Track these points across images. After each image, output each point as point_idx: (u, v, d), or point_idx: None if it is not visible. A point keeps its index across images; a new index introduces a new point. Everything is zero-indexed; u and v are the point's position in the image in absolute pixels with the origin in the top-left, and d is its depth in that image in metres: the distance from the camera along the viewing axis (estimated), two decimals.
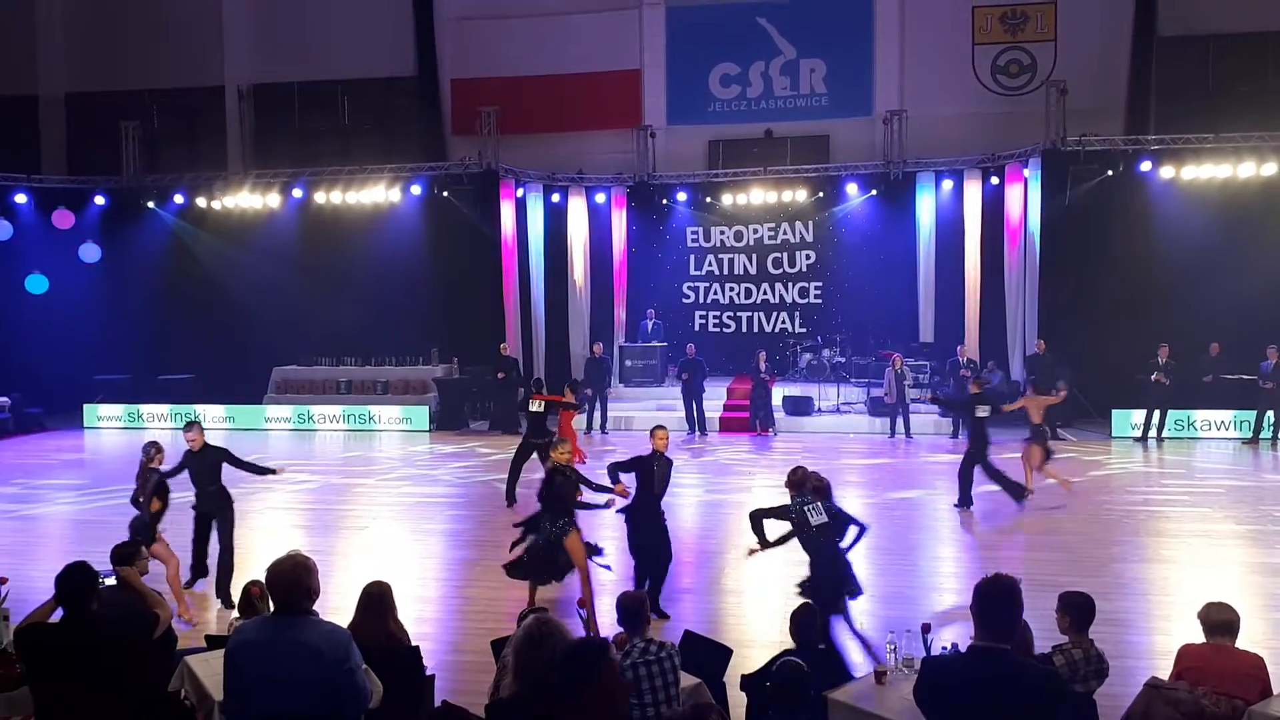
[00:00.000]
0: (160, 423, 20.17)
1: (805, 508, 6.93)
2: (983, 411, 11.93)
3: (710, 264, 21.85)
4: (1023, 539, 11.05)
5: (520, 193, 20.92)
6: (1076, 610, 5.26)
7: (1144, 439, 16.93)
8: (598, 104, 21.85)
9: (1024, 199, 19.12)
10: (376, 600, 5.51)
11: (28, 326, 20.54)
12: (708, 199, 21.11)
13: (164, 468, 8.77)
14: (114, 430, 20.06)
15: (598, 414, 18.55)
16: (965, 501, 11.89)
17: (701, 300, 21.93)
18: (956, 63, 20.92)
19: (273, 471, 9.28)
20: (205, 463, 8.97)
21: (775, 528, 7.19)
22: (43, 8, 23.71)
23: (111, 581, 4.78)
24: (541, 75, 21.93)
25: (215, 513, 8.96)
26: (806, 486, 7.08)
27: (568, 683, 3.54)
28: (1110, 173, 18.21)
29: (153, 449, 8.74)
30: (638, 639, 4.82)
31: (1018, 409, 13.22)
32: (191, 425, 9.14)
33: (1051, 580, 8.45)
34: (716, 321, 21.87)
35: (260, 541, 11.03)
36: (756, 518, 7.18)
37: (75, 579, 4.31)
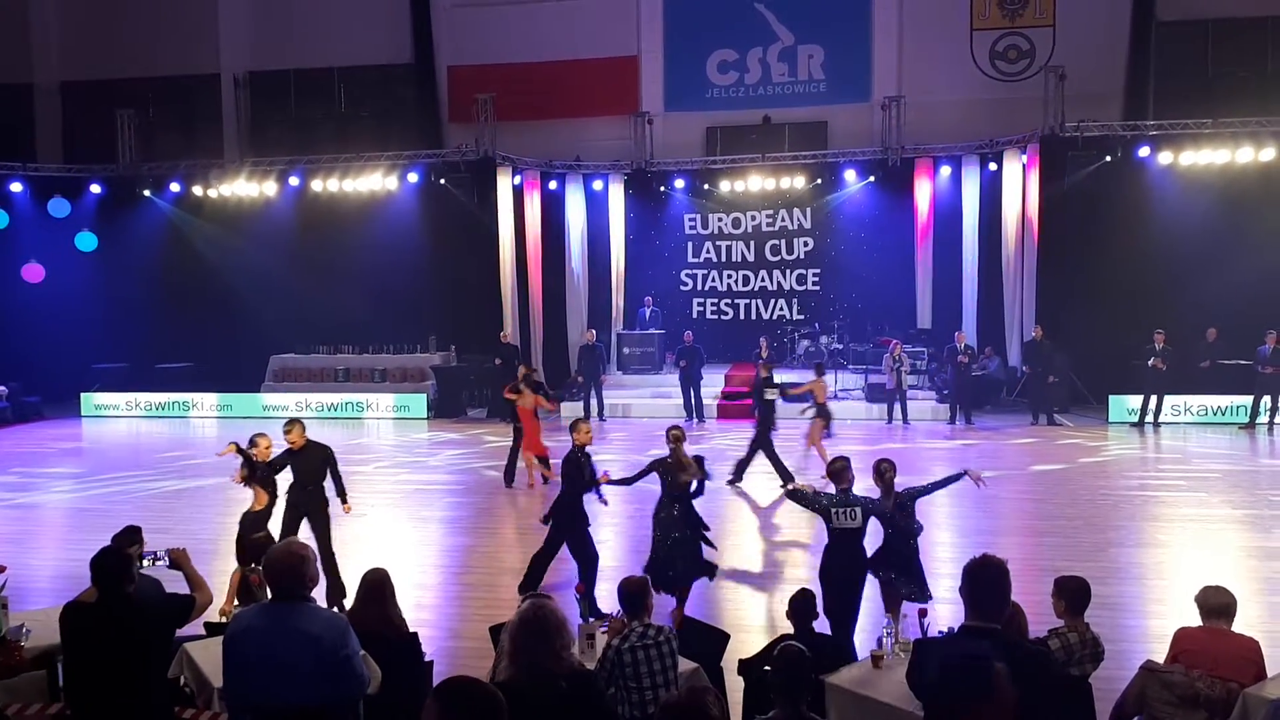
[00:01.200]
0: (158, 411, 20.20)
1: (835, 510, 6.74)
2: (770, 394, 12.38)
3: (708, 251, 21.82)
4: (1019, 524, 11.08)
5: (517, 180, 20.87)
6: (1072, 594, 5.29)
7: (1141, 424, 16.97)
8: (595, 90, 21.77)
9: (1022, 185, 19.08)
10: (375, 587, 5.52)
11: (25, 315, 20.53)
12: (705, 186, 21.07)
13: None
14: (112, 419, 20.07)
15: (594, 401, 18.55)
16: (786, 478, 12.05)
17: (699, 287, 21.91)
18: (955, 49, 20.85)
19: (345, 502, 8.61)
20: (309, 461, 8.43)
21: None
22: None
23: (164, 563, 4.78)
24: (538, 62, 21.84)
25: (312, 513, 8.38)
26: (847, 478, 6.91)
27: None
28: (1108, 158, 18.20)
29: (260, 440, 8.23)
30: (637, 623, 4.85)
31: (804, 392, 13.59)
32: (293, 423, 8.55)
33: (1048, 564, 8.50)
34: (714, 309, 21.86)
35: None
36: (795, 496, 7.17)
37: (107, 563, 4.33)
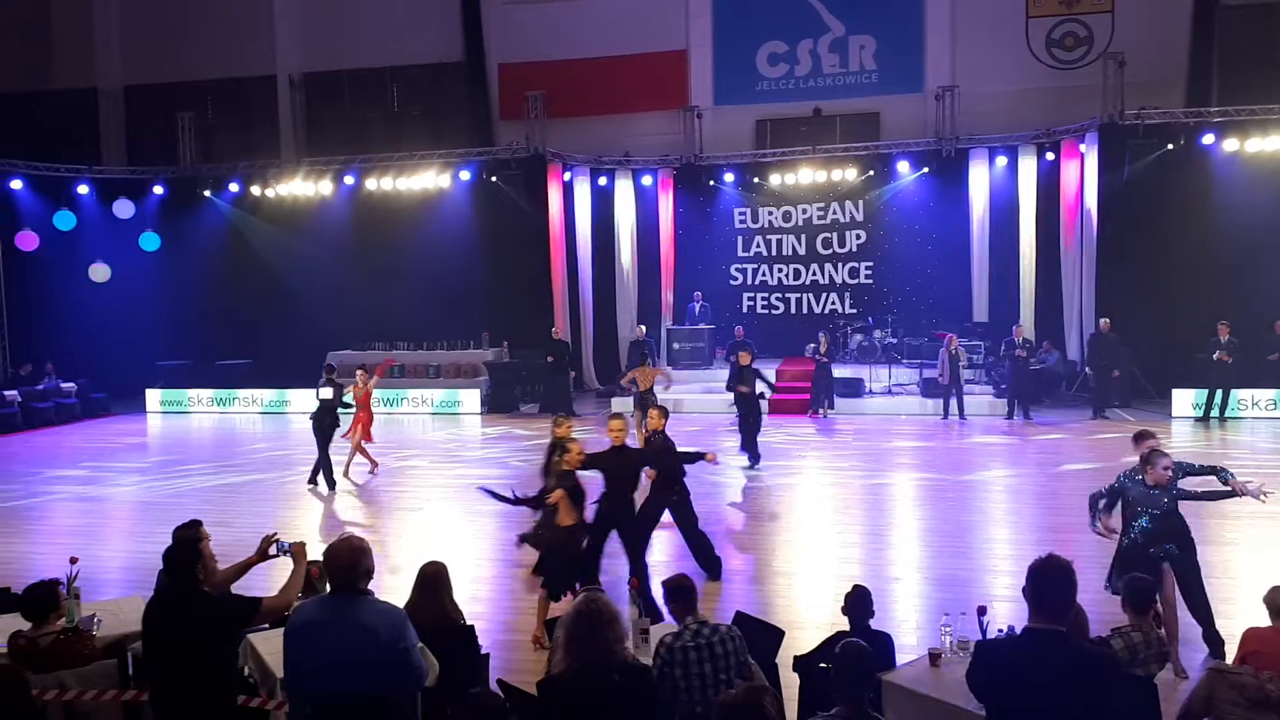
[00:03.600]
0: (220, 406, 20.66)
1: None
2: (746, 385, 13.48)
3: (758, 245, 21.71)
4: (1081, 520, 10.82)
5: (568, 176, 20.98)
6: (1137, 593, 5.18)
7: (1205, 419, 16.53)
8: (644, 85, 21.76)
9: (1080, 175, 18.71)
10: (432, 580, 5.58)
11: (92, 314, 21.12)
12: (755, 179, 20.96)
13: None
14: (175, 414, 20.57)
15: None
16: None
17: (749, 282, 21.81)
18: (1010, 37, 20.47)
19: (704, 458, 7.82)
20: (626, 465, 7.26)
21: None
22: (100, 3, 24.22)
23: (286, 555, 4.82)
24: (588, 58, 21.87)
25: (624, 526, 7.24)
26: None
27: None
28: (1170, 146, 17.74)
29: (569, 445, 7.08)
30: (691, 619, 4.69)
31: (631, 379, 14.80)
32: (620, 416, 7.32)
33: (1110, 563, 8.30)
34: (765, 303, 21.74)
35: (317, 523, 11.28)
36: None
37: (173, 554, 4.43)
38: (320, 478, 12.80)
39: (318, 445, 12.78)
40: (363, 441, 13.44)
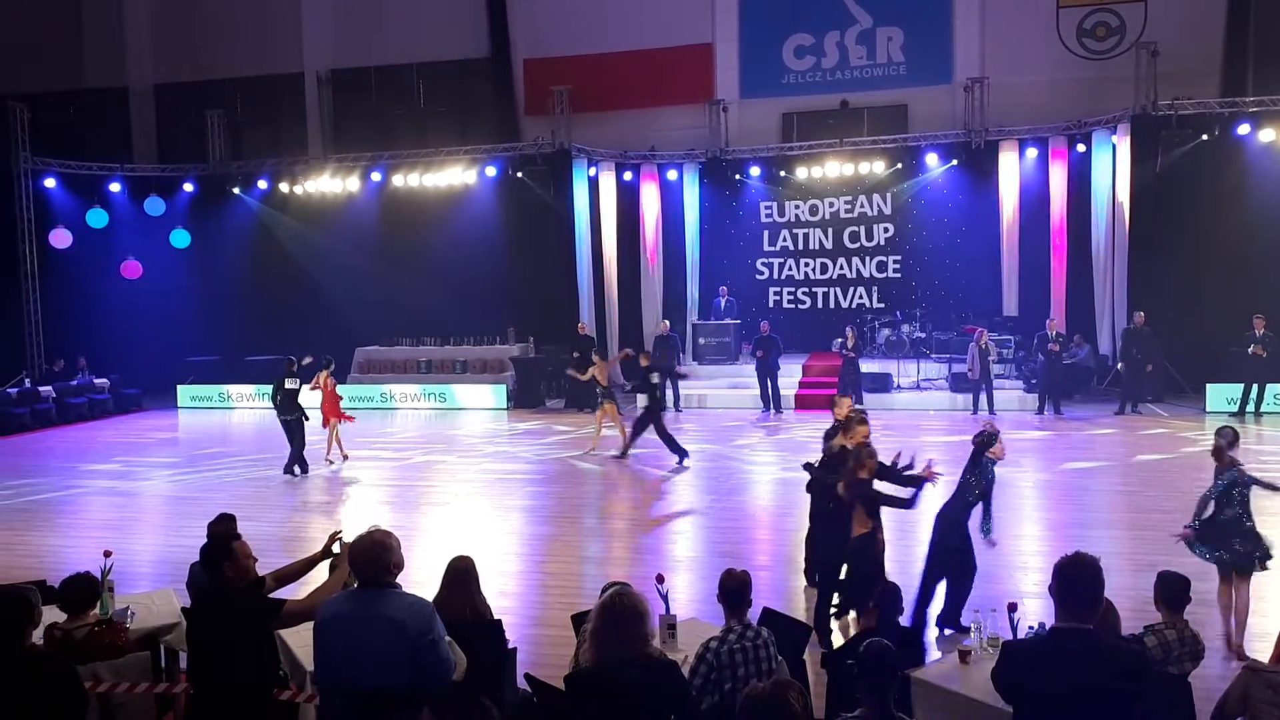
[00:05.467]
0: (248, 402, 20.86)
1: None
2: (655, 378, 14.10)
3: (784, 239, 21.60)
4: (1112, 517, 10.73)
5: (593, 171, 20.98)
6: (1170, 590, 5.11)
7: (1241, 414, 16.28)
8: (670, 79, 21.69)
9: (1113, 167, 18.47)
10: (460, 574, 5.59)
11: (125, 311, 21.41)
12: (782, 173, 20.84)
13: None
14: (205, 410, 20.80)
15: (669, 392, 18.51)
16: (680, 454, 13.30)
17: (775, 276, 21.71)
18: (1040, 27, 20.21)
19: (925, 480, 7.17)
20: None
21: None
22: (131, 3, 24.49)
23: (338, 553, 4.77)
24: (613, 52, 21.84)
25: (852, 555, 6.58)
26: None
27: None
28: (1205, 137, 17.49)
29: (865, 454, 6.46)
30: (735, 622, 4.58)
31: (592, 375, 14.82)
32: (863, 419, 6.74)
33: (1145, 559, 8.22)
34: (791, 298, 21.64)
35: (346, 518, 11.35)
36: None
37: (210, 550, 4.47)
38: (296, 466, 13.46)
39: (293, 437, 13.42)
40: (328, 426, 14.12)
